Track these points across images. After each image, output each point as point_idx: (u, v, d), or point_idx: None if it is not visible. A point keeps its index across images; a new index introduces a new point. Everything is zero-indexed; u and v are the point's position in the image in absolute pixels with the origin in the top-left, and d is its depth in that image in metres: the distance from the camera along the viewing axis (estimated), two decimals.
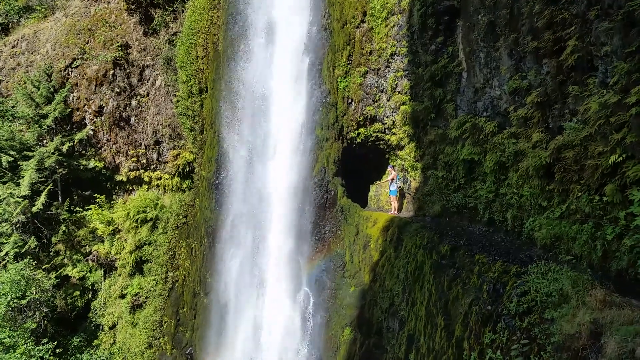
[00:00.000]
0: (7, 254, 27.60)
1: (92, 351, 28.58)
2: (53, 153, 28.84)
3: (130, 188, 32.08)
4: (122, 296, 29.53)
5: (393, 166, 18.41)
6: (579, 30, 8.92)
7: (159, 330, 27.12)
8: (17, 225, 28.31)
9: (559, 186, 9.74)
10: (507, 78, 11.55)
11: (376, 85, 18.02)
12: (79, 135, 29.79)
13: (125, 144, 30.77)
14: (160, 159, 30.93)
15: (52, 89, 29.57)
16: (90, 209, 30.44)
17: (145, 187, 31.41)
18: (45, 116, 29.10)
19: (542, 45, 9.98)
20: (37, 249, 28.88)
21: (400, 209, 18.53)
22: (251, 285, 22.16)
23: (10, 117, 29.77)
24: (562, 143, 9.41)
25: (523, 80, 10.93)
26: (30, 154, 28.74)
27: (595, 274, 8.00)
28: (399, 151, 18.09)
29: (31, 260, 27.25)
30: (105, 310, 29.73)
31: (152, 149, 30.68)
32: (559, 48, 9.53)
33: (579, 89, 9.00)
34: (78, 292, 29.82)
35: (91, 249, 30.30)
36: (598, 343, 6.01)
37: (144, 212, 29.25)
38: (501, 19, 11.52)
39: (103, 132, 30.62)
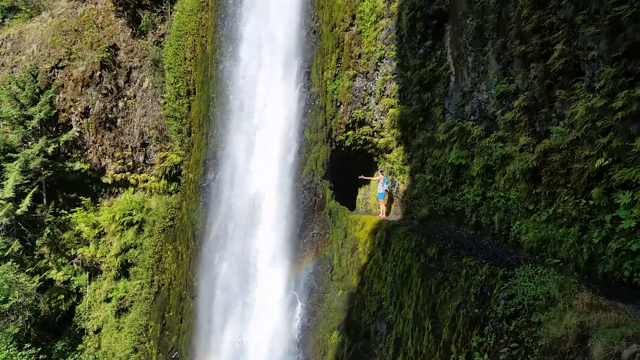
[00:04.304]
0: None
1: (76, 356, 28.16)
2: (38, 155, 28.40)
3: (116, 190, 31.72)
4: (108, 300, 29.16)
5: (382, 170, 18.41)
6: (566, 35, 8.98)
7: (144, 335, 26.81)
8: (1, 228, 27.83)
9: (545, 190, 9.78)
10: (494, 82, 11.60)
11: (365, 88, 18.03)
12: (64, 137, 29.42)
13: (112, 146, 30.45)
14: (146, 161, 30.65)
15: (37, 90, 29.17)
16: (76, 211, 30.05)
17: (131, 189, 31.10)
18: (30, 117, 28.69)
19: (529, 49, 10.04)
20: (20, 252, 28.38)
21: (388, 212, 18.54)
22: (238, 289, 21.98)
23: None
24: (548, 147, 9.47)
25: (510, 84, 10.99)
26: (15, 155, 28.30)
27: (581, 277, 8.02)
28: (387, 154, 18.10)
29: (14, 263, 26.73)
30: (90, 314, 29.31)
31: (139, 151, 30.40)
32: (546, 52, 9.59)
33: (566, 93, 9.06)
34: (62, 296, 29.36)
35: (76, 252, 29.88)
36: (585, 346, 6.01)
37: (130, 215, 28.95)
38: (489, 24, 11.58)
39: (89, 134, 30.27)
